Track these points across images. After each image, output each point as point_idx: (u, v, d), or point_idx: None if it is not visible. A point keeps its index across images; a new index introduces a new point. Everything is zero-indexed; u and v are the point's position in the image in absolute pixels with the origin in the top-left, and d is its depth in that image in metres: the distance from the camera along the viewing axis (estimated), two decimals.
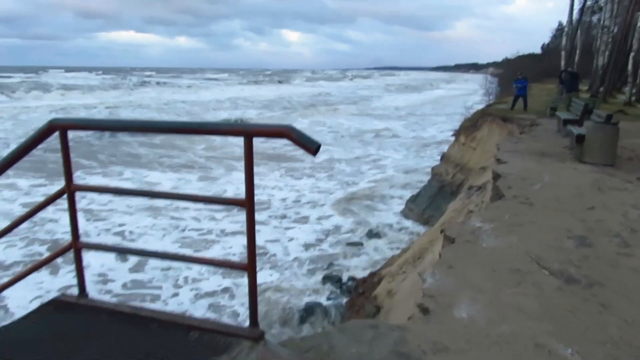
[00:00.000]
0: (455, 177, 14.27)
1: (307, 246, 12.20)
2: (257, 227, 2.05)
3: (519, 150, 6.62)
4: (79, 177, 17.64)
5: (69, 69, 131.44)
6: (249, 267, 1.98)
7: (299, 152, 23.65)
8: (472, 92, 63.36)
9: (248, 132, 1.91)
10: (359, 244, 12.34)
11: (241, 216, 2.02)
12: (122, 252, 10.78)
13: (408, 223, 14.16)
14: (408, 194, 16.35)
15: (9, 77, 79.52)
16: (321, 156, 22.11)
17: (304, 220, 14.16)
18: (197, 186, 17.41)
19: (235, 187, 17.14)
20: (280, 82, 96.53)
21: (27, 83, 64.69)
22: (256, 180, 2.09)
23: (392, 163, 22.33)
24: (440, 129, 33.73)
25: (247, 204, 1.93)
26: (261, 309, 8.84)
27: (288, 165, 21.08)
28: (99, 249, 2.72)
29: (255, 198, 1.99)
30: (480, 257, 3.34)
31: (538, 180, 4.87)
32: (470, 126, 15.23)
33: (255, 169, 2.06)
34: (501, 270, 3.13)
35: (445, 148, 19.43)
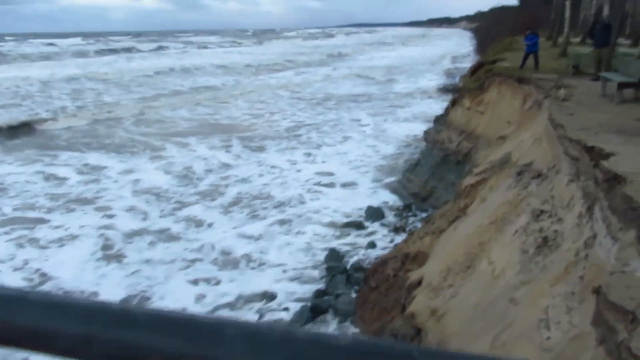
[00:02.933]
0: (461, 146, 12.94)
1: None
2: None
3: (590, 126, 5.24)
4: None
5: (31, 36, 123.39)
6: None
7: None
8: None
9: None
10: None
11: None
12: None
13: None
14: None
15: None
16: None
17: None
18: (155, 173, 15.10)
19: (204, 164, 15.60)
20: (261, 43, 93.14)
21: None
22: None
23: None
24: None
25: None
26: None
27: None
28: None
29: None
30: None
31: None
32: (475, 88, 13.81)
33: None
34: None
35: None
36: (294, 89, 32.39)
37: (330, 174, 14.70)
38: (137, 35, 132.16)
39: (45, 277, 8.54)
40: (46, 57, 55.81)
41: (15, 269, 8.93)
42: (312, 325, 7.55)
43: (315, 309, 7.86)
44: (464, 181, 9.60)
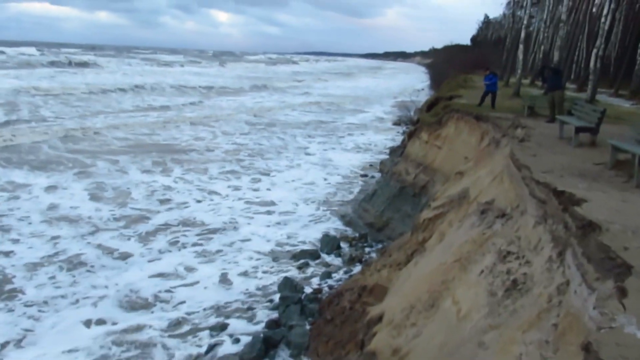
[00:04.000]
0: (418, 178, 13.07)
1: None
2: None
3: (553, 169, 5.31)
4: None
5: None
6: None
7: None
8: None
9: None
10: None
11: None
12: None
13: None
14: None
15: None
16: None
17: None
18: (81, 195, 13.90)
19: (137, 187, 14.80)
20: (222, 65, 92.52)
21: None
22: None
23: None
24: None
25: None
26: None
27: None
28: None
29: None
30: None
31: None
32: (433, 123, 14.07)
33: None
34: None
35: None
36: (251, 113, 32.14)
37: (272, 203, 14.33)
38: (91, 48, 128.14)
39: None
40: None
41: None
42: None
43: (267, 341, 7.52)
44: (422, 214, 9.62)
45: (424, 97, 39.91)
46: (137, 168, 16.82)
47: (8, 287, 8.62)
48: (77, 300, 8.35)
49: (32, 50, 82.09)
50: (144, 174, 16.21)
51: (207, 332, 7.71)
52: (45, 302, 8.20)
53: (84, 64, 65.89)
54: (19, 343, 7.13)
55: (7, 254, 9.79)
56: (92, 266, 9.58)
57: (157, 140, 21.67)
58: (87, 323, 7.72)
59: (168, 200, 13.77)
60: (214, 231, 11.87)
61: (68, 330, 7.49)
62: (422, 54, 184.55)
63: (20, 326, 7.51)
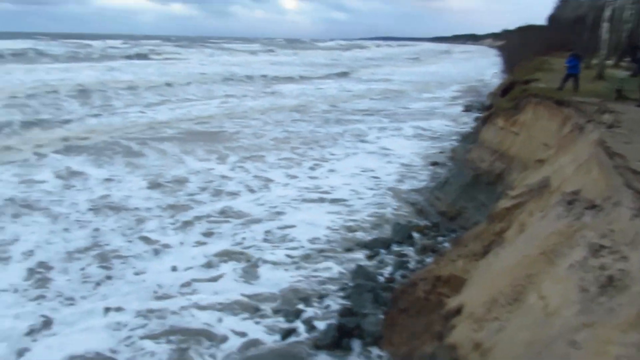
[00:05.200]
0: (494, 166, 12.65)
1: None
2: None
3: None
4: None
5: (64, 36, 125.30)
6: None
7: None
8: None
9: None
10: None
11: None
12: None
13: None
14: None
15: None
16: None
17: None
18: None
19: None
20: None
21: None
22: None
23: None
24: None
25: None
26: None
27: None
28: None
29: None
30: None
31: None
32: (510, 108, 13.52)
33: None
34: None
35: None
36: (328, 101, 32.21)
37: (333, 191, 14.23)
38: (166, 39, 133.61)
39: None
40: (74, 57, 56.85)
41: None
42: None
43: (341, 328, 7.59)
44: (499, 204, 9.31)
45: (496, 81, 38.40)
46: (194, 157, 17.28)
47: (44, 273, 9.03)
48: (112, 289, 8.59)
49: (117, 42, 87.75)
50: (201, 162, 16.68)
51: (281, 318, 7.88)
52: (77, 290, 8.46)
53: (172, 55, 69.19)
54: (45, 329, 7.38)
55: (48, 241, 10.30)
56: (130, 256, 9.82)
57: (229, 129, 22.30)
58: (132, 312, 7.90)
59: (223, 190, 13.97)
60: (276, 217, 12.07)
61: (101, 317, 7.73)
62: (494, 36, 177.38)
63: (48, 313, 7.77)
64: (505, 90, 20.22)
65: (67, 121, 22.83)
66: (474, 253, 8.63)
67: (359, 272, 9.32)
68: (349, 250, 10.39)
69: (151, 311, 7.89)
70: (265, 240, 10.81)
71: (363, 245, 10.62)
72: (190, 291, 8.58)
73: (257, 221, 11.80)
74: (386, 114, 27.85)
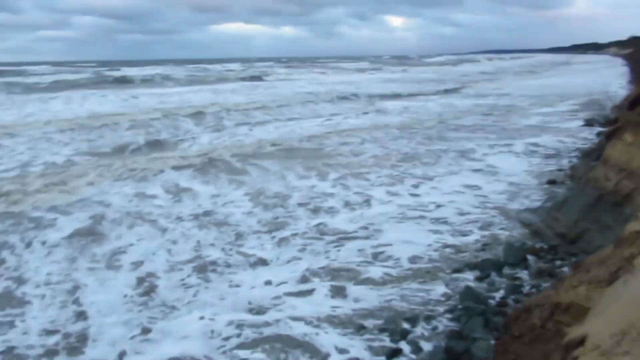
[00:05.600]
0: (621, 185, 11.21)
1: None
2: None
3: None
4: None
5: (187, 62, 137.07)
6: None
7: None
8: None
9: None
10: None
11: None
12: None
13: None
14: None
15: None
16: None
17: None
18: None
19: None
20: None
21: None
22: None
23: None
24: None
25: None
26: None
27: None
28: None
29: None
30: None
31: None
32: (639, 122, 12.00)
33: None
34: None
35: None
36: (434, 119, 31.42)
37: (436, 209, 13.57)
38: (277, 61, 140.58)
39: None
40: (193, 81, 61.45)
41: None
42: None
43: (449, 352, 7.05)
44: (628, 227, 8.14)
45: (623, 92, 34.92)
46: (295, 174, 17.43)
47: (151, 282, 9.42)
48: (209, 299, 8.75)
49: (233, 65, 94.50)
50: (302, 179, 16.75)
51: (385, 337, 7.51)
52: (177, 299, 8.71)
53: (283, 76, 72.80)
54: (145, 333, 7.64)
55: (155, 253, 10.74)
56: (226, 269, 9.96)
57: (330, 147, 22.36)
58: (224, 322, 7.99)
59: (322, 207, 13.85)
60: (373, 234, 11.65)
61: (196, 327, 7.84)
62: (619, 44, 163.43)
63: (150, 319, 8.05)
64: (633, 102, 18.19)
65: (182, 140, 24.37)
66: (599, 280, 7.61)
67: (468, 294, 8.68)
68: (456, 270, 9.73)
69: (245, 322, 7.94)
70: (363, 257, 10.47)
71: (472, 266, 9.89)
72: (285, 305, 8.51)
73: (354, 238, 11.51)
74: (495, 130, 26.37)
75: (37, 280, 9.46)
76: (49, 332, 7.71)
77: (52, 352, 7.27)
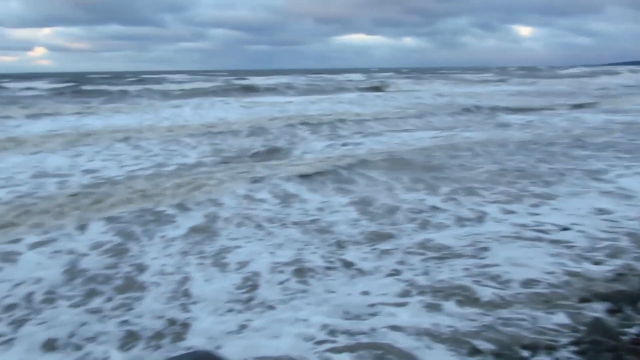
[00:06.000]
0: None
1: None
2: None
3: None
4: None
5: (310, 72, 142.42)
6: None
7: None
8: None
9: None
10: None
11: None
12: None
13: None
14: None
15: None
16: None
17: None
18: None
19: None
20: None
21: None
22: None
23: None
24: None
25: None
26: None
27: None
28: None
29: None
30: None
31: None
32: None
33: None
34: None
35: None
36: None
37: (554, 231, 12.38)
38: (397, 71, 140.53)
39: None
40: (312, 90, 63.39)
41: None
42: None
43: None
44: None
45: None
46: (403, 186, 17.08)
47: (254, 282, 9.77)
48: (305, 303, 8.81)
49: (353, 76, 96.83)
50: (410, 192, 16.31)
51: None
52: (275, 300, 8.90)
53: (402, 87, 72.62)
54: (243, 330, 7.90)
55: (259, 254, 11.12)
56: (325, 276, 10.00)
57: (441, 160, 21.65)
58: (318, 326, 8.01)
59: (430, 222, 13.36)
60: (481, 253, 10.94)
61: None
62: None
63: (248, 317, 8.30)
64: None
65: (296, 148, 25.16)
66: None
67: (598, 326, 7.82)
68: (582, 300, 8.75)
69: (340, 327, 7.92)
70: (469, 276, 9.88)
71: (601, 297, 8.86)
72: (383, 315, 8.34)
73: (461, 255, 10.94)
74: (631, 149, 23.73)
75: (153, 269, 10.27)
76: (158, 317, 8.31)
77: (159, 335, 7.84)
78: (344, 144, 26.29)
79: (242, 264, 10.54)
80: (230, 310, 8.58)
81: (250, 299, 8.99)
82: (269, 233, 12.48)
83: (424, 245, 11.59)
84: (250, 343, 7.52)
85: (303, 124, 33.17)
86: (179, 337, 7.74)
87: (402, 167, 20.28)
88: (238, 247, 11.53)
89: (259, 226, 13.00)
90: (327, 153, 23.60)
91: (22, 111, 38.98)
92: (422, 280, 9.68)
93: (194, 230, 12.66)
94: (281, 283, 9.62)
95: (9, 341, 7.57)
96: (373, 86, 74.76)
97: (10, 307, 8.62)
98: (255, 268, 10.31)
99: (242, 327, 8.02)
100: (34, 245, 11.44)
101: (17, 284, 9.50)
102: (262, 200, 15.44)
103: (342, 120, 35.01)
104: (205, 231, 12.60)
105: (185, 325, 8.06)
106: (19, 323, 8.10)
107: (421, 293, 9.13)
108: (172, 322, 8.17)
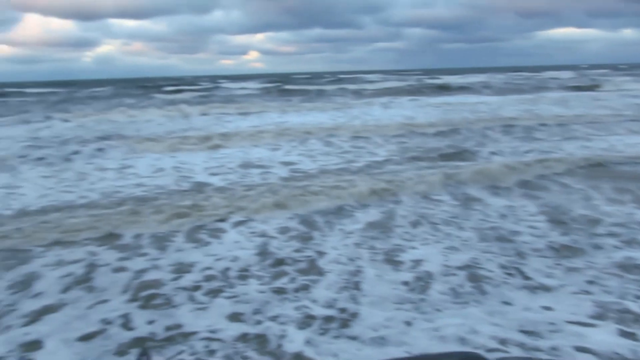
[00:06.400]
0: None
1: None
2: None
3: None
4: None
5: (510, 69, 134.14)
6: None
7: None
8: None
9: None
10: None
11: None
12: None
13: None
14: None
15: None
16: None
17: None
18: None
19: None
20: None
21: None
22: None
23: None
24: None
25: None
26: None
27: None
28: None
29: None
30: None
31: None
32: None
33: None
34: None
35: None
36: None
37: None
38: (614, 68, 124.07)
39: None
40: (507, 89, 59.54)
41: None
42: None
43: None
44: None
45: None
46: (603, 196, 15.19)
47: (424, 281, 9.51)
48: (474, 310, 8.45)
49: (558, 73, 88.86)
50: (613, 203, 14.42)
51: None
52: (443, 302, 8.80)
53: (619, 85, 64.51)
54: (404, 329, 7.93)
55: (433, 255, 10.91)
56: (501, 285, 9.46)
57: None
58: None
59: (637, 238, 11.66)
60: None
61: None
62: None
63: (410, 318, 8.25)
64: None
65: (485, 150, 24.06)
66: None
67: None
68: None
69: (513, 340, 7.45)
70: None
71: None
72: (566, 333, 7.61)
73: None
74: None
75: (331, 257, 10.92)
76: (330, 305, 8.82)
77: (329, 319, 8.31)
78: (539, 148, 24.32)
79: (415, 263, 10.55)
80: (397, 306, 8.69)
81: (420, 300, 8.97)
82: (447, 234, 12.27)
83: (623, 266, 10.19)
84: (412, 341, 7.53)
85: (495, 125, 31.55)
86: (345, 325, 8.08)
87: (604, 175, 17.99)
88: (413, 247, 11.57)
89: (434, 226, 12.86)
90: (517, 157, 22.07)
91: (235, 109, 45.12)
92: (617, 305, 8.55)
93: (371, 225, 13.07)
94: (453, 287, 9.40)
95: (204, 308, 8.81)
96: (583, 85, 67.24)
97: (210, 278, 10.03)
98: (427, 268, 10.25)
99: (408, 324, 8.07)
100: (236, 225, 13.11)
101: (219, 259, 10.98)
102: (440, 201, 15.19)
103: (539, 122, 32.38)
104: (381, 227, 12.91)
105: (353, 315, 8.39)
106: (214, 293, 9.35)
107: (614, 317, 8.08)
108: (341, 310, 8.58)
